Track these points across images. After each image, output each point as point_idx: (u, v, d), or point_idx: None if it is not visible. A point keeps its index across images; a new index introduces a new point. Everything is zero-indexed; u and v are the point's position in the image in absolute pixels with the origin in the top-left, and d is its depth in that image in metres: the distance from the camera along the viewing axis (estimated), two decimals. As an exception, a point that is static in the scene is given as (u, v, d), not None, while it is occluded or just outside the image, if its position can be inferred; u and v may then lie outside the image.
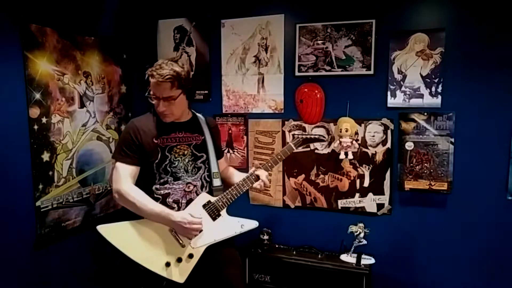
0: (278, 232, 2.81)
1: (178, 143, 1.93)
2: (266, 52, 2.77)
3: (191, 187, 1.92)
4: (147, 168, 1.90)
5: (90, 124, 2.60)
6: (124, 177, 1.85)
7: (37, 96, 2.21)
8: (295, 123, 2.74)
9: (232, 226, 1.95)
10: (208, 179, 2.00)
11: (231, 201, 1.94)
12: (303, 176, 2.77)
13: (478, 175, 2.41)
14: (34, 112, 2.20)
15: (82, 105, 2.52)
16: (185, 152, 1.93)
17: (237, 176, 2.08)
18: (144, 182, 1.91)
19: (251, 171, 2.00)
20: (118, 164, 1.87)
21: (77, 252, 2.55)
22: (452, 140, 2.43)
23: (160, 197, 1.89)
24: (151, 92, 1.86)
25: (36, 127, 2.21)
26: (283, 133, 2.78)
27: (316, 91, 2.64)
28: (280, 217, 2.85)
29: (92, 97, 2.61)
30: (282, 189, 2.83)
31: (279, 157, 2.03)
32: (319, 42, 2.63)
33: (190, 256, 1.85)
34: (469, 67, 2.38)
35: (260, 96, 2.82)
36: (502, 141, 2.35)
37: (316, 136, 2.16)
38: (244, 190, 1.96)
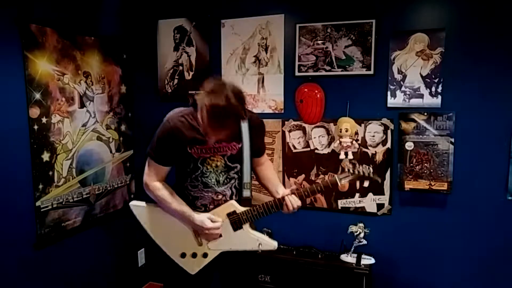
0: (278, 232, 2.80)
1: (212, 154, 1.82)
2: (266, 52, 2.77)
3: (220, 196, 1.87)
4: (180, 167, 1.86)
5: (90, 124, 2.60)
6: (154, 175, 1.85)
7: (37, 96, 2.21)
8: (295, 123, 2.74)
9: (250, 242, 1.89)
10: (238, 188, 1.91)
11: (255, 219, 1.88)
12: (303, 176, 2.77)
13: (478, 175, 2.41)
14: (34, 112, 2.20)
15: (82, 105, 2.53)
16: (218, 163, 1.83)
17: (272, 184, 1.99)
18: (179, 175, 1.89)
19: (285, 192, 1.88)
20: (151, 161, 1.84)
21: (77, 252, 2.55)
22: (452, 140, 2.43)
23: (190, 197, 1.87)
24: (204, 127, 1.65)
25: (36, 127, 2.21)
26: (283, 133, 2.78)
27: (316, 91, 2.64)
28: (280, 217, 2.84)
29: (92, 97, 2.61)
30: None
31: (319, 188, 1.87)
32: (319, 42, 2.63)
33: (205, 255, 1.87)
34: (469, 67, 2.37)
35: (260, 96, 2.82)
36: (502, 141, 2.35)
37: (367, 174, 1.89)
38: (272, 212, 1.87)
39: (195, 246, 1.87)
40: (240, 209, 1.87)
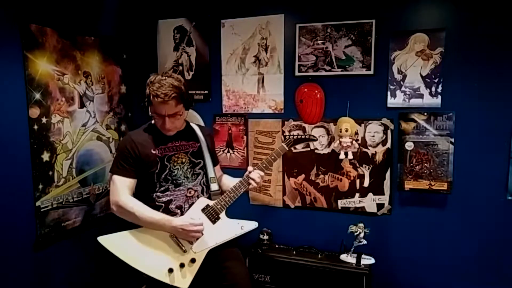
0: (278, 232, 2.81)
1: (176, 151, 1.96)
2: (266, 52, 2.77)
3: (192, 192, 1.95)
4: (146, 178, 1.91)
5: (90, 124, 2.60)
6: (122, 189, 1.86)
7: (37, 96, 2.21)
8: (295, 123, 2.74)
9: (232, 228, 1.96)
10: (206, 184, 2.02)
11: (229, 204, 1.96)
12: (303, 176, 2.77)
13: (478, 175, 2.42)
14: (34, 112, 2.20)
15: (82, 105, 2.52)
16: (183, 160, 1.97)
17: (233, 181, 2.09)
18: (144, 192, 1.92)
19: (246, 173, 2.01)
20: (115, 177, 1.88)
21: (77, 252, 2.55)
22: (452, 140, 2.43)
23: (163, 204, 1.90)
24: (155, 111, 1.87)
25: (36, 127, 2.21)
26: (283, 133, 2.77)
27: (316, 91, 2.64)
28: (280, 217, 2.85)
29: (92, 97, 2.61)
30: (282, 189, 2.83)
31: (272, 157, 2.04)
32: (319, 42, 2.63)
33: (193, 260, 1.85)
34: (469, 67, 2.38)
35: (260, 96, 2.82)
36: (502, 141, 2.35)
37: (307, 136, 2.19)
38: (242, 192, 1.97)
39: (180, 255, 1.85)
40: (211, 202, 1.96)
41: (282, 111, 2.77)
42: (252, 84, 2.83)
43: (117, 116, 2.85)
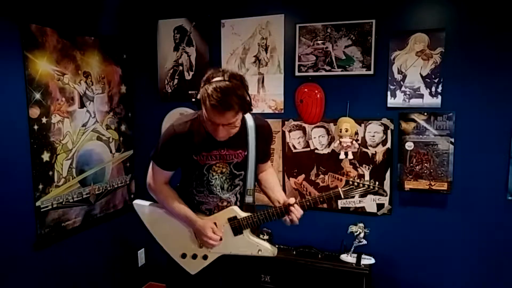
0: (278, 232, 2.81)
1: (218, 161, 1.78)
2: (266, 52, 2.77)
3: (225, 203, 1.87)
4: (186, 171, 1.85)
5: (90, 124, 2.60)
6: (157, 178, 1.84)
7: (37, 96, 2.21)
8: (295, 123, 2.74)
9: (249, 247, 1.88)
10: (242, 195, 1.91)
11: (256, 225, 1.87)
12: (303, 176, 2.77)
13: (478, 175, 2.41)
14: (34, 112, 2.20)
15: (82, 105, 2.53)
16: (224, 170, 1.81)
17: (273, 191, 1.97)
18: (185, 179, 1.88)
19: (287, 201, 1.83)
20: (154, 165, 1.83)
21: (77, 252, 2.55)
22: (452, 140, 2.43)
23: (195, 201, 1.87)
24: (209, 117, 1.60)
25: (36, 127, 2.21)
26: (283, 133, 2.77)
27: (316, 91, 2.64)
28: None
29: (92, 97, 2.61)
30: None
31: (321, 199, 1.81)
32: (319, 42, 2.63)
33: (205, 257, 1.87)
34: (469, 67, 2.37)
35: (260, 96, 2.82)
36: (502, 141, 2.35)
37: (371, 188, 1.83)
38: (273, 220, 1.85)
39: (195, 247, 1.87)
40: (241, 214, 1.85)
41: (282, 111, 2.77)
42: (252, 84, 2.82)
43: (117, 116, 2.85)
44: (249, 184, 1.88)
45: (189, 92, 2.92)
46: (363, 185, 1.82)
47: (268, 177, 2.02)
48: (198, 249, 1.87)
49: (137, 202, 1.92)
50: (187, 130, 1.74)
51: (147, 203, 1.91)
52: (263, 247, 1.89)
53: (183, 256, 1.87)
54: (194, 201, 1.87)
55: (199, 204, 1.87)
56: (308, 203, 1.81)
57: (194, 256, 1.86)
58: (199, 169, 1.80)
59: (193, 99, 1.66)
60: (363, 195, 1.95)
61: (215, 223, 1.82)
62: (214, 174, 1.81)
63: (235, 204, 1.89)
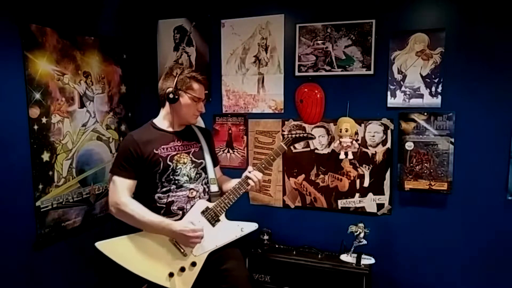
0: (278, 232, 2.81)
1: (178, 151, 1.94)
2: (266, 52, 2.77)
3: (194, 193, 1.93)
4: (148, 178, 1.89)
5: (90, 124, 2.60)
6: (122, 190, 1.84)
7: (37, 96, 2.21)
8: (295, 123, 2.74)
9: (232, 230, 1.94)
10: (207, 185, 2.01)
11: (229, 205, 1.94)
12: (303, 176, 2.77)
13: (478, 175, 2.41)
14: (34, 112, 2.20)
15: (82, 105, 2.53)
16: (185, 160, 1.95)
17: (233, 182, 2.07)
18: (145, 193, 1.91)
19: (245, 173, 1.99)
20: (116, 178, 1.86)
21: (77, 252, 2.55)
22: (452, 140, 2.43)
23: (164, 205, 1.88)
24: (192, 96, 1.93)
25: (36, 127, 2.21)
26: (282, 132, 2.77)
27: (316, 91, 2.64)
28: (280, 217, 2.85)
29: (92, 97, 2.61)
30: (282, 189, 2.83)
31: (271, 157, 2.00)
32: (319, 42, 2.63)
33: (193, 264, 1.85)
34: (469, 67, 2.37)
35: (260, 96, 2.82)
36: (502, 141, 2.35)
37: (305, 134, 2.10)
38: (241, 193, 1.95)
39: (180, 259, 1.83)
40: (211, 204, 1.94)
41: (282, 111, 2.77)
42: (252, 84, 2.83)
43: (117, 116, 2.85)
44: (210, 173, 2.03)
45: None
46: (296, 134, 2.07)
47: (223, 179, 2.18)
48: (182, 259, 1.83)
49: (100, 243, 1.81)
50: (144, 133, 1.95)
51: (109, 240, 1.83)
52: (244, 224, 1.98)
53: (171, 275, 1.81)
54: (163, 207, 1.88)
55: (169, 207, 1.88)
56: (263, 165, 1.99)
57: (182, 269, 1.83)
58: (163, 162, 1.88)
59: (170, 95, 1.88)
60: (299, 141, 2.20)
61: (191, 223, 1.85)
62: (177, 164, 1.91)
63: (204, 193, 1.97)
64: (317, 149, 2.71)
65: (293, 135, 2.06)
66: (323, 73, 2.64)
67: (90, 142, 2.61)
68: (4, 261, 2.09)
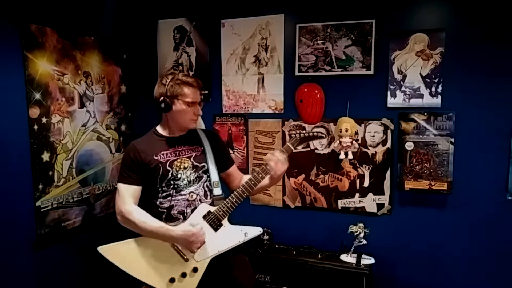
0: (278, 232, 2.81)
1: (178, 156, 1.94)
2: (266, 52, 2.77)
3: (194, 196, 1.91)
4: (149, 184, 1.91)
5: (90, 124, 2.60)
6: (126, 198, 1.87)
7: (37, 96, 2.21)
8: (295, 123, 2.74)
9: (235, 235, 1.90)
10: (209, 188, 1.98)
11: (231, 209, 1.90)
12: (303, 176, 2.77)
13: (478, 175, 2.41)
14: (34, 112, 2.20)
15: (82, 105, 2.53)
16: (186, 165, 1.93)
17: (246, 178, 2.05)
18: (147, 198, 1.92)
19: (250, 176, 1.96)
20: (120, 185, 1.89)
21: (77, 252, 2.55)
22: (452, 140, 2.43)
23: (165, 210, 1.88)
24: (185, 101, 1.89)
25: (36, 127, 2.21)
26: (283, 133, 2.77)
27: (316, 91, 2.64)
28: (280, 217, 2.85)
29: (92, 97, 2.61)
30: (282, 189, 2.83)
31: (285, 149, 1.97)
32: (319, 42, 2.63)
33: (195, 270, 1.83)
34: (469, 67, 2.38)
35: (260, 96, 2.82)
36: (502, 141, 2.35)
37: (315, 134, 2.03)
38: (245, 197, 1.92)
39: (181, 265, 1.82)
40: (213, 208, 1.90)
41: (282, 111, 2.77)
42: (252, 84, 2.83)
43: (117, 116, 2.85)
44: (214, 176, 1.99)
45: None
46: (303, 134, 2.02)
47: (243, 179, 2.12)
48: (184, 265, 1.82)
49: (103, 248, 1.83)
50: (145, 141, 1.97)
51: (111, 244, 1.84)
52: (248, 228, 1.92)
53: (172, 281, 1.80)
54: (164, 212, 1.88)
55: (169, 211, 1.88)
56: (260, 175, 1.93)
57: (184, 275, 1.81)
58: (162, 167, 1.88)
59: (162, 104, 1.88)
60: (307, 141, 2.18)
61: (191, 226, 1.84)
62: (177, 169, 1.90)
63: (205, 197, 1.93)
64: (317, 149, 2.71)
65: (302, 135, 2.00)
66: (323, 73, 2.64)
67: (90, 142, 2.61)
68: (4, 261, 2.09)
